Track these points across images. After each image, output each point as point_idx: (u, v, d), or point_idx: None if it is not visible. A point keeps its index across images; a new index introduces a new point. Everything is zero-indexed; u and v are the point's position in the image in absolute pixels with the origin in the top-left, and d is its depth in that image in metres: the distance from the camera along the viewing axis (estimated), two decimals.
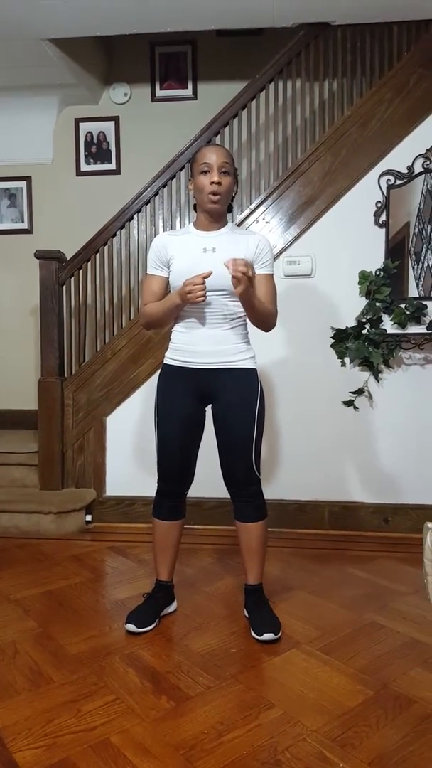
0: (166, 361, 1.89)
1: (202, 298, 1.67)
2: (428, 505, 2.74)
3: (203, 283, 1.66)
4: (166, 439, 1.89)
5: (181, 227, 2.88)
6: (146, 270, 1.88)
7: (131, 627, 1.89)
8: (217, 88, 3.37)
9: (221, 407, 1.85)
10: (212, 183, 1.72)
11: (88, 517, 2.93)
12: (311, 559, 2.52)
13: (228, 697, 1.57)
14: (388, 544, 2.68)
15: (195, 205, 1.84)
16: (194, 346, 1.82)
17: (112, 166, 3.50)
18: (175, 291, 1.75)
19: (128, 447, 2.93)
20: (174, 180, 2.84)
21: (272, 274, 1.86)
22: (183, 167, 2.80)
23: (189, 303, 1.71)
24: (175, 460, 1.91)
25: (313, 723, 1.46)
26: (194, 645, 1.83)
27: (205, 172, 1.73)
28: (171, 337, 1.88)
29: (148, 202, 2.83)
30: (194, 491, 2.83)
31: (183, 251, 1.81)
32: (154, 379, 2.86)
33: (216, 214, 1.79)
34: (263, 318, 1.82)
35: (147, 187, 2.84)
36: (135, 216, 2.86)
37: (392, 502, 2.77)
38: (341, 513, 2.80)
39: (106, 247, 2.89)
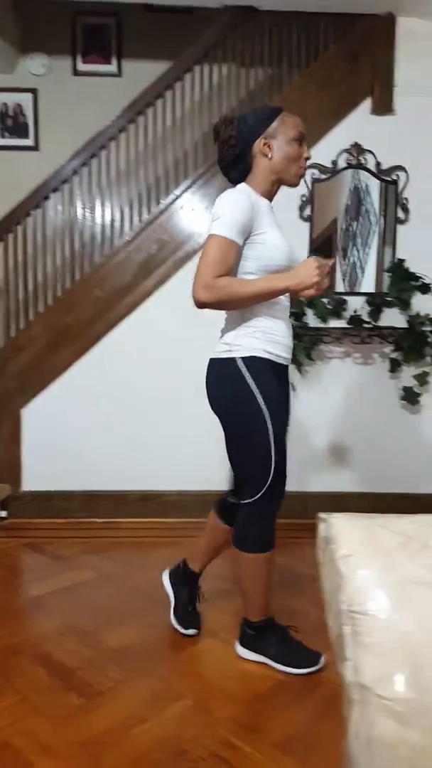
0: (261, 354, 1.56)
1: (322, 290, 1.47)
2: (345, 492, 2.84)
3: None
4: (281, 437, 1.61)
5: (102, 210, 2.78)
6: (218, 230, 1.45)
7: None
8: (144, 66, 3.25)
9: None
10: (305, 157, 1.58)
11: (3, 513, 2.80)
12: (233, 547, 2.55)
13: (139, 691, 1.56)
14: (307, 530, 2.74)
15: (241, 172, 1.60)
16: (288, 339, 1.63)
17: (30, 142, 3.32)
18: (283, 275, 1.48)
19: (46, 440, 2.81)
20: (95, 159, 2.72)
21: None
22: (103, 147, 2.69)
23: (302, 294, 1.46)
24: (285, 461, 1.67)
25: (222, 711, 1.48)
26: (109, 639, 1.80)
27: (300, 141, 1.57)
28: (256, 324, 1.56)
29: (65, 181, 2.71)
30: (118, 485, 2.80)
31: (273, 223, 1.57)
32: (76, 369, 2.82)
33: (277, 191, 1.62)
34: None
35: (65, 165, 2.71)
36: (51, 195, 2.72)
37: (311, 489, 2.85)
38: None
39: (20, 229, 2.74)
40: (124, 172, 2.77)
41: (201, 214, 2.74)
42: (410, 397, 2.74)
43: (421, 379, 2.74)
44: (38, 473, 2.83)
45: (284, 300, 1.62)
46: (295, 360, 2.76)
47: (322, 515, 0.97)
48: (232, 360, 1.56)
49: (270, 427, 1.54)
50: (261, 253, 1.52)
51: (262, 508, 1.61)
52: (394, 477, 2.83)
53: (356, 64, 2.68)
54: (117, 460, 2.82)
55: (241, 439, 1.59)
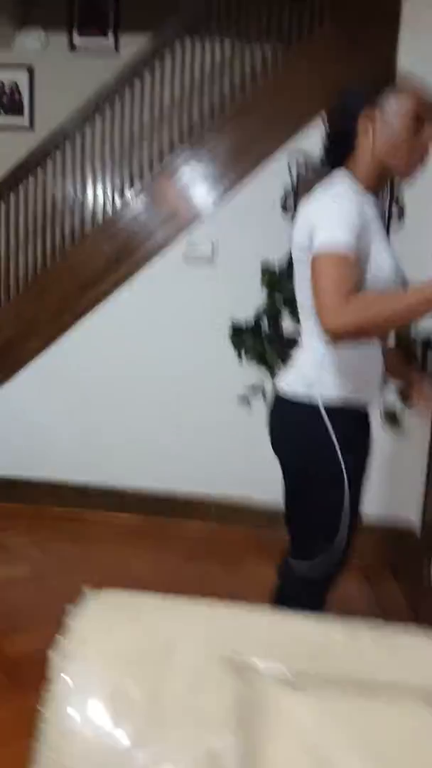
0: (349, 399, 1.26)
1: None
2: None
3: None
4: (358, 505, 1.32)
5: (80, 191, 2.67)
6: (328, 246, 1.13)
7: None
8: (143, 42, 3.09)
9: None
10: (426, 143, 1.25)
11: None
12: (183, 555, 2.46)
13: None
14: (264, 546, 2.61)
15: (341, 155, 1.28)
16: (380, 377, 1.33)
17: (25, 122, 3.24)
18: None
19: (14, 427, 2.79)
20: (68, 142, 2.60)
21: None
22: (74, 132, 2.58)
23: None
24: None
25: None
26: (8, 647, 1.75)
27: (419, 119, 1.22)
28: (346, 357, 1.25)
29: (38, 165, 2.61)
30: (83, 476, 2.75)
31: (378, 231, 1.25)
32: (43, 359, 2.76)
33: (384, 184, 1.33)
34: None
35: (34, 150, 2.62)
36: (26, 180, 2.64)
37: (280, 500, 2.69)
38: (227, 508, 2.72)
39: None
40: (99, 157, 2.64)
41: (173, 203, 2.58)
42: (391, 419, 2.50)
43: (405, 396, 2.50)
44: (5, 459, 2.82)
45: None
46: (266, 364, 2.59)
47: (86, 589, 0.86)
48: (313, 404, 1.25)
49: (347, 495, 1.25)
50: (365, 274, 1.20)
51: (318, 573, 1.33)
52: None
53: (355, 41, 2.40)
54: (83, 452, 2.78)
55: (308, 500, 1.31)
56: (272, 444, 1.37)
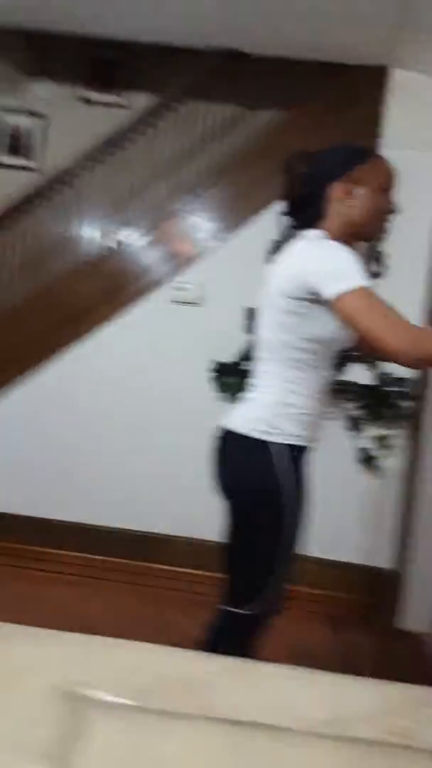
0: (301, 442, 1.31)
1: None
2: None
3: None
4: (296, 545, 1.34)
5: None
6: (360, 280, 1.19)
7: None
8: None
9: None
10: (391, 210, 1.37)
11: None
12: (145, 599, 2.37)
13: None
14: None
15: (310, 217, 1.36)
16: (322, 414, 1.36)
17: (33, 164, 3.36)
18: None
19: None
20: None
21: None
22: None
23: None
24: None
25: None
26: None
27: (387, 191, 1.35)
28: (302, 403, 1.30)
29: (37, 203, 2.72)
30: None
31: None
32: (25, 386, 2.74)
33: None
34: None
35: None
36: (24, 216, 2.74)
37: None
38: (200, 551, 2.63)
39: None
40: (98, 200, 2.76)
41: (165, 248, 2.68)
42: (367, 461, 2.53)
43: (381, 442, 2.52)
44: None
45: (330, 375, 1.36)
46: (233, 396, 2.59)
47: None
48: (266, 445, 1.27)
49: (292, 535, 1.29)
50: (333, 319, 1.24)
51: (253, 619, 1.34)
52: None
53: (341, 114, 2.59)
54: (53, 487, 2.74)
55: (254, 540, 1.31)
56: (221, 480, 1.36)
